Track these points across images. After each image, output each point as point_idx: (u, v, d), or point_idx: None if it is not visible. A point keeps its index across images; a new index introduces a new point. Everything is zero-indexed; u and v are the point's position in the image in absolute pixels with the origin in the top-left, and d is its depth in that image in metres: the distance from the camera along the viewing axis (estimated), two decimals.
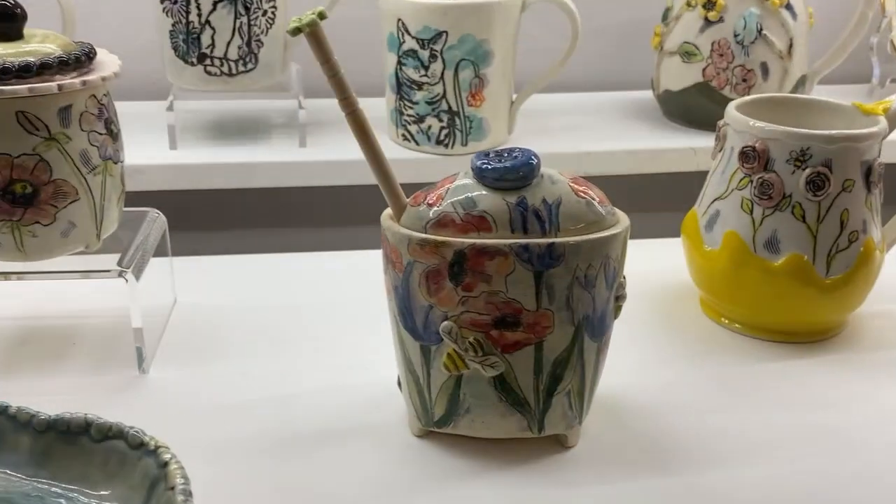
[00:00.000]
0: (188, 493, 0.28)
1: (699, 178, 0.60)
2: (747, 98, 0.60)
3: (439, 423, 0.45)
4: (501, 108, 0.77)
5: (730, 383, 0.53)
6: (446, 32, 0.70)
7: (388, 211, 0.44)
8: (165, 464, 0.29)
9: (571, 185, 0.43)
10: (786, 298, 0.55)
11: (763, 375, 0.54)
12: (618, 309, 0.45)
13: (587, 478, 0.44)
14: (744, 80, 0.79)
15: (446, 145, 0.75)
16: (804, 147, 0.52)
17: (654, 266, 0.66)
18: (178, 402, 0.50)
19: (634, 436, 0.47)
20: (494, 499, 0.42)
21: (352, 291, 0.62)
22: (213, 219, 0.88)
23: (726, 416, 0.49)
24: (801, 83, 0.82)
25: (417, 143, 0.76)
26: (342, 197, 0.83)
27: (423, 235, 0.41)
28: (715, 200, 0.57)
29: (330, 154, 0.76)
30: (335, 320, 0.59)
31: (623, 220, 0.44)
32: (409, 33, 0.71)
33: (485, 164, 0.42)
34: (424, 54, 0.71)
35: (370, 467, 0.44)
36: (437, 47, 0.71)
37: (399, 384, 0.47)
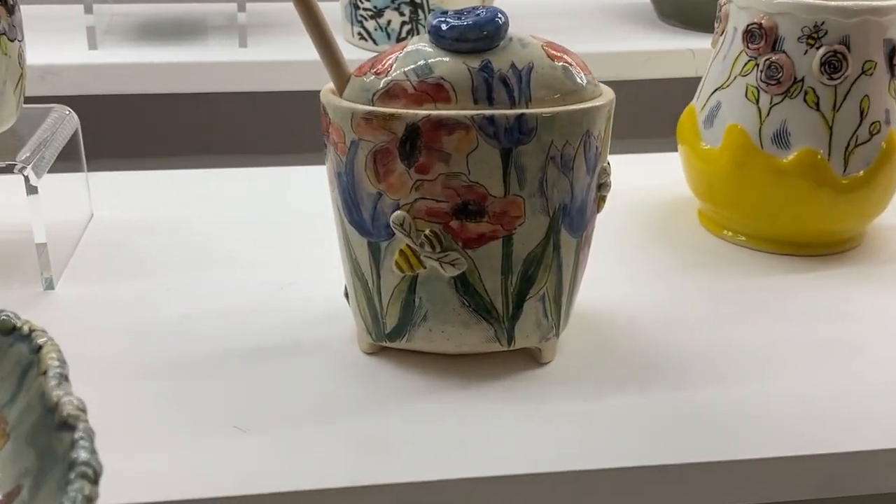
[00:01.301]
0: (62, 377, 0.25)
1: (698, 84, 0.57)
2: None
3: (392, 335, 0.42)
4: (472, 1, 0.73)
5: (729, 298, 0.50)
6: None
7: (329, 86, 0.41)
8: (39, 348, 0.26)
9: (545, 48, 0.40)
10: (796, 202, 0.52)
11: (768, 290, 0.51)
12: (601, 200, 0.42)
13: (563, 395, 0.41)
14: None
15: None
16: (818, 22, 0.49)
17: (647, 181, 0.64)
18: (88, 321, 0.47)
19: (619, 351, 0.45)
20: (456, 420, 0.40)
21: (294, 207, 0.59)
22: (137, 128, 0.84)
23: (725, 332, 0.47)
24: None
25: (376, 43, 0.72)
26: (288, 105, 0.80)
27: (370, 108, 0.38)
28: (715, 91, 0.54)
29: (275, 54, 0.72)
30: (272, 237, 0.56)
31: (607, 92, 0.41)
32: None
33: (443, 22, 0.39)
34: None
35: (312, 388, 0.41)
36: None
37: (346, 295, 0.44)
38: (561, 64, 0.39)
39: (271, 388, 0.41)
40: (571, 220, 0.40)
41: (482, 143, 0.38)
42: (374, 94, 0.39)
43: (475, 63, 0.38)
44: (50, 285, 0.50)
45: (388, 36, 0.72)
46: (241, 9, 0.73)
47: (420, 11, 0.71)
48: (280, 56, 0.72)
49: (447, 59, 0.39)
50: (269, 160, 0.70)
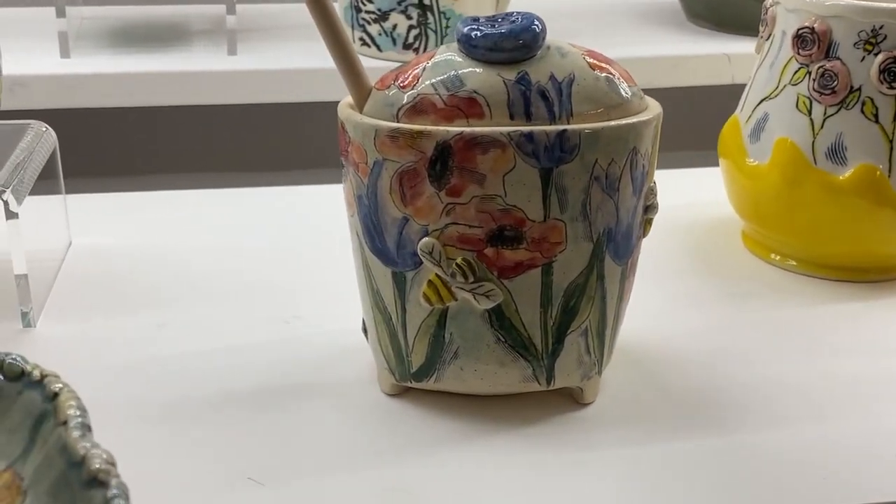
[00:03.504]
0: (85, 427, 0.25)
1: (736, 92, 0.58)
2: None
3: (418, 374, 0.42)
4: (486, 2, 0.74)
5: (782, 329, 0.51)
6: None
7: (348, 99, 0.41)
8: (55, 395, 0.26)
9: (587, 58, 0.40)
10: (854, 222, 0.53)
11: (824, 320, 0.52)
12: (647, 223, 0.43)
13: (607, 440, 0.42)
14: None
15: (416, 50, 0.73)
16: (876, 26, 0.50)
17: (684, 200, 0.65)
18: (74, 361, 0.47)
19: (666, 390, 0.45)
20: (491, 470, 0.40)
21: (295, 231, 0.60)
22: (117, 145, 0.85)
23: (780, 367, 0.47)
24: None
25: (380, 49, 0.73)
26: (283, 117, 0.80)
27: (395, 125, 0.39)
28: (762, 102, 0.55)
29: (268, 62, 0.73)
30: (273, 264, 0.56)
31: (654, 106, 0.42)
32: None
33: (474, 30, 0.39)
34: None
35: (329, 435, 0.42)
36: None
37: (364, 330, 0.44)
38: (604, 75, 0.40)
39: (284, 435, 0.42)
40: (617, 245, 0.41)
41: (520, 163, 0.38)
42: (399, 110, 0.39)
43: (511, 75, 0.39)
44: (29, 322, 0.50)
45: (394, 42, 0.72)
46: (231, 11, 0.73)
47: (430, 15, 0.71)
48: (274, 64, 0.72)
49: (480, 70, 0.39)
50: (265, 178, 0.70)
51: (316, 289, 0.53)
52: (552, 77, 0.39)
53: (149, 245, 0.59)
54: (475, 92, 0.39)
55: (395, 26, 0.72)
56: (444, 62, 0.40)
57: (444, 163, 0.38)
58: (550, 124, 0.39)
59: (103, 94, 0.70)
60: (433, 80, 0.39)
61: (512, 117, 0.39)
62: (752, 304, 0.53)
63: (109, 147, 0.85)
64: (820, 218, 0.53)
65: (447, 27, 0.71)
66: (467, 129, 0.38)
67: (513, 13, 0.40)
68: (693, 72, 0.77)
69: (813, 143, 0.52)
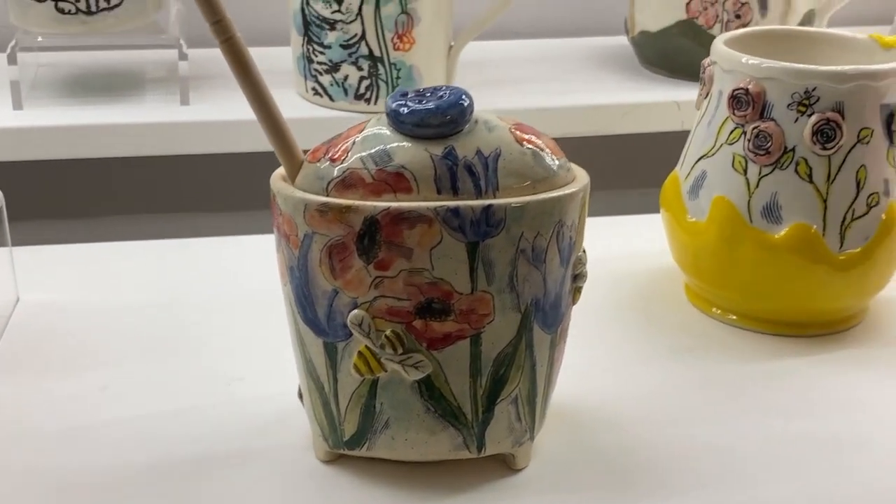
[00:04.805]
0: None
1: (684, 139, 0.59)
2: (739, 32, 0.59)
3: (351, 443, 0.43)
4: (437, 53, 0.75)
5: (720, 387, 0.51)
6: None
7: (281, 171, 0.42)
8: None
9: (514, 131, 0.41)
10: (790, 280, 0.53)
11: (762, 376, 0.52)
12: (576, 292, 0.43)
13: None
14: (737, 17, 0.78)
15: (368, 100, 0.73)
16: (809, 87, 0.51)
17: (629, 248, 0.66)
18: (14, 425, 0.47)
19: (600, 454, 0.46)
20: None
21: (245, 285, 0.60)
22: (67, 198, 0.85)
23: (715, 428, 0.48)
24: (807, 20, 0.81)
25: (332, 99, 0.74)
26: (235, 168, 0.81)
27: (324, 199, 0.39)
28: (700, 159, 0.56)
29: (221, 113, 0.73)
30: (220, 321, 0.57)
31: (581, 176, 0.42)
32: None
33: (402, 105, 0.40)
34: None
35: (264, 502, 0.42)
36: None
37: (300, 396, 0.45)
38: (530, 148, 0.41)
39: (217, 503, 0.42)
40: (545, 315, 0.41)
41: (446, 237, 0.39)
42: (329, 183, 0.40)
43: (438, 150, 0.40)
44: None
45: (346, 92, 0.73)
46: (183, 57, 0.74)
47: (380, 66, 0.72)
48: (227, 115, 0.73)
49: (408, 145, 0.40)
50: (217, 229, 0.70)
51: (261, 348, 0.54)
52: (479, 152, 0.40)
53: (99, 300, 0.58)
54: (403, 167, 0.39)
55: (346, 77, 0.72)
56: (374, 136, 0.41)
57: (371, 237, 0.39)
58: (477, 199, 0.39)
59: (56, 147, 0.70)
60: (362, 155, 0.40)
61: (439, 192, 0.39)
62: (692, 361, 0.54)
63: (58, 197, 0.85)
64: (757, 275, 0.54)
65: (398, 78, 0.72)
66: (394, 205, 0.39)
67: (442, 88, 0.41)
68: (643, 119, 0.78)
69: (749, 201, 0.53)
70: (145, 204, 0.89)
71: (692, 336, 0.57)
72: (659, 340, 0.56)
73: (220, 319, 0.57)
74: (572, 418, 0.48)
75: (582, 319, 0.54)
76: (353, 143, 0.41)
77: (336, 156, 0.41)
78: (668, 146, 0.72)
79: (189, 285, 0.61)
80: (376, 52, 0.72)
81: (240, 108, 0.73)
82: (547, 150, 0.41)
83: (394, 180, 0.39)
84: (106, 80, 0.79)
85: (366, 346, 0.40)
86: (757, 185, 0.53)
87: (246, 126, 0.73)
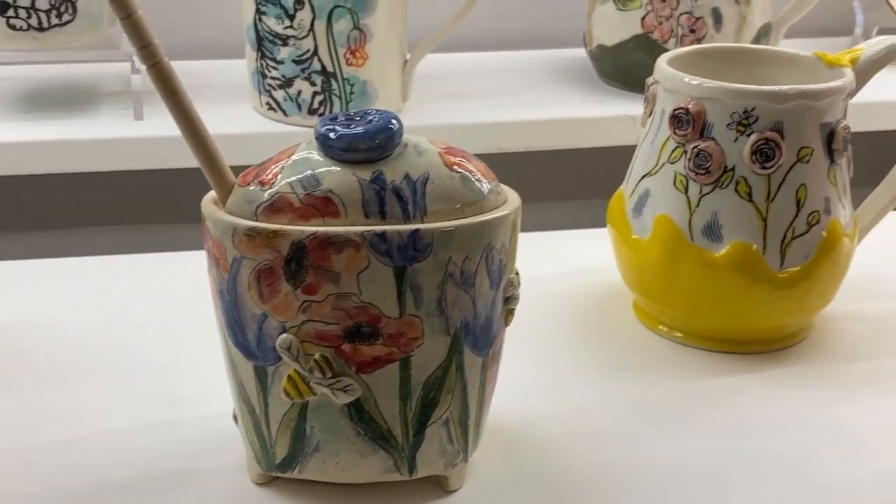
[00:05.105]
0: None
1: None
2: (683, 50, 0.59)
3: (282, 465, 0.43)
4: (391, 68, 0.75)
5: (662, 405, 0.52)
6: None
7: (213, 193, 0.42)
8: None
9: (443, 155, 0.41)
10: (731, 298, 0.54)
11: (704, 394, 0.53)
12: (509, 314, 0.43)
13: None
14: (691, 31, 0.78)
15: (322, 115, 0.73)
16: (748, 107, 0.51)
17: (581, 263, 0.66)
18: None
19: (535, 474, 0.46)
20: None
21: (189, 303, 0.59)
22: (21, 213, 0.85)
23: (654, 446, 0.48)
24: (763, 34, 0.82)
25: (286, 114, 0.74)
26: (188, 183, 0.81)
27: (252, 223, 0.39)
28: (644, 177, 0.56)
29: (174, 128, 0.73)
30: (162, 339, 0.56)
31: (512, 199, 0.42)
32: None
33: (330, 130, 0.40)
34: (288, 0, 0.69)
35: None
36: None
37: (235, 418, 0.45)
38: (459, 172, 0.41)
39: None
40: (475, 338, 0.42)
41: (374, 262, 0.39)
42: (258, 207, 0.40)
43: (366, 174, 0.40)
44: None
45: (299, 107, 0.73)
46: (136, 71, 0.74)
47: (333, 81, 0.72)
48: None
49: (336, 169, 0.40)
50: (170, 244, 0.70)
51: (205, 367, 0.53)
52: (407, 176, 0.40)
53: (43, 317, 0.58)
54: (331, 192, 0.39)
55: (299, 92, 0.72)
56: (303, 160, 0.41)
57: (299, 262, 0.39)
58: (405, 223, 0.39)
59: (9, 162, 0.70)
60: (291, 179, 0.40)
61: (367, 216, 0.39)
62: (636, 379, 0.54)
63: (10, 211, 0.85)
64: (699, 293, 0.54)
65: (352, 93, 0.72)
66: (321, 230, 0.39)
67: (371, 111, 0.41)
68: (599, 133, 0.78)
69: (690, 220, 0.53)
70: (98, 218, 0.88)
71: (638, 354, 0.57)
72: (604, 358, 0.56)
73: (164, 337, 0.57)
74: (510, 439, 0.48)
75: (528, 336, 0.55)
76: (283, 167, 0.41)
77: (265, 180, 0.41)
78: (626, 160, 0.73)
79: (136, 302, 0.60)
80: (329, 68, 0.72)
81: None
82: (477, 173, 0.42)
83: (321, 205, 0.39)
84: (60, 95, 0.79)
85: (295, 370, 0.40)
86: (698, 204, 0.53)
87: None
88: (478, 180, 0.41)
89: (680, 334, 0.57)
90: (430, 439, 0.42)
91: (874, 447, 0.49)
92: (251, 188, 0.41)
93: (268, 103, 0.74)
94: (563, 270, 0.64)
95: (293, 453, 0.42)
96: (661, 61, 0.56)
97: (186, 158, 0.73)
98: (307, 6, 0.70)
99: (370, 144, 0.40)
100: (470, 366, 0.42)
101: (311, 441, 0.42)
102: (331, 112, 0.73)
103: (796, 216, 0.53)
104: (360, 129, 0.40)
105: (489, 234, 0.40)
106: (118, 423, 0.49)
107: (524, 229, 0.71)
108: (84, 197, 0.86)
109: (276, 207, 0.40)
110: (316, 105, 0.73)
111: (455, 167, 0.41)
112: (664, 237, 0.54)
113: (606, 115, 0.79)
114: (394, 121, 0.41)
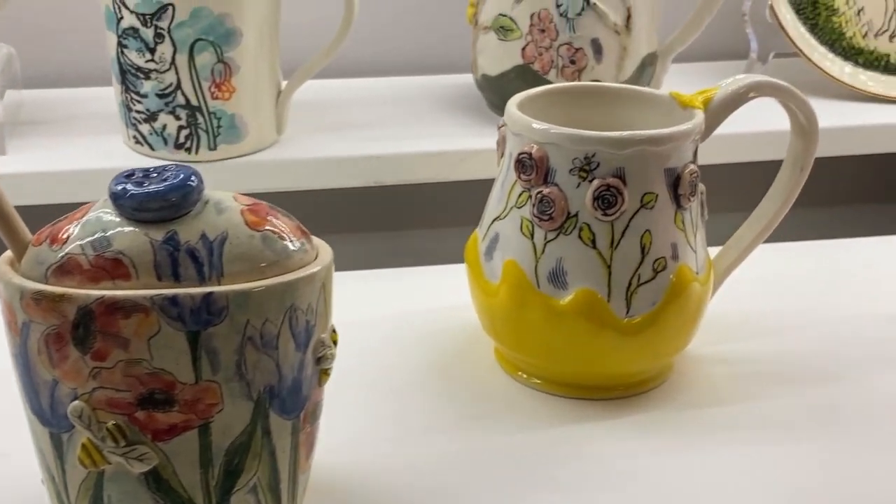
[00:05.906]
0: None
1: None
2: (541, 89, 0.58)
3: None
4: (263, 100, 0.74)
5: (512, 458, 0.51)
6: (172, 5, 0.67)
7: (9, 253, 0.41)
8: None
9: (245, 213, 0.40)
10: (579, 345, 0.53)
11: (557, 445, 0.52)
12: (323, 374, 0.42)
13: None
14: (572, 62, 0.78)
15: (189, 150, 0.72)
16: (588, 153, 0.51)
17: (443, 301, 0.64)
18: None
19: None
20: None
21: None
22: None
23: (502, 501, 0.47)
24: (648, 63, 0.81)
25: (153, 148, 0.72)
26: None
27: (39, 287, 0.38)
28: (494, 221, 0.55)
29: (46, 163, 0.71)
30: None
31: (323, 256, 0.41)
32: (125, 6, 0.68)
33: (123, 187, 0.39)
34: (148, 33, 0.68)
35: None
36: (164, 24, 0.68)
37: (43, 482, 0.43)
38: (261, 231, 0.40)
39: None
40: (283, 401, 0.40)
41: (165, 327, 0.37)
42: (48, 269, 0.39)
43: (159, 234, 0.38)
44: None
45: (165, 142, 0.71)
46: None
47: (199, 115, 0.71)
48: (47, 165, 0.71)
49: (128, 229, 0.39)
50: None
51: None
52: (203, 236, 0.39)
53: None
54: (121, 253, 0.38)
55: (164, 126, 0.71)
56: (95, 220, 0.39)
57: (86, 327, 0.38)
58: (200, 285, 0.38)
59: None
60: (82, 240, 0.39)
61: (160, 279, 0.38)
62: (491, 429, 0.53)
63: None
64: (547, 339, 0.53)
65: (220, 126, 0.71)
66: (108, 294, 0.37)
67: (170, 168, 0.40)
68: (481, 165, 0.77)
69: (536, 266, 0.53)
70: None
71: (495, 400, 0.56)
72: (460, 406, 0.55)
73: None
74: (342, 495, 0.47)
75: (382, 383, 0.54)
76: (77, 226, 0.39)
77: (57, 239, 0.39)
78: None
79: None
80: (193, 102, 0.70)
81: (61, 158, 0.72)
82: (282, 231, 0.40)
83: (111, 267, 0.38)
84: None
85: (88, 439, 0.39)
86: (543, 251, 0.52)
87: (66, 176, 0.71)
88: (281, 239, 0.40)
89: (538, 381, 0.56)
90: None
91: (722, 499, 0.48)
92: (43, 248, 0.39)
93: (134, 137, 0.72)
94: (423, 309, 0.63)
95: None
96: (511, 104, 0.55)
97: (52, 194, 0.71)
98: (167, 40, 0.68)
99: (163, 203, 0.39)
100: (278, 430, 0.41)
101: None
102: (197, 148, 0.72)
103: (641, 263, 0.52)
104: (152, 188, 0.39)
105: (291, 294, 0.39)
106: None
107: (387, 264, 0.70)
108: None
109: (65, 269, 0.38)
110: (182, 139, 0.71)
111: (257, 226, 0.40)
112: (512, 283, 0.53)
113: (487, 147, 0.78)
114: (193, 178, 0.39)
